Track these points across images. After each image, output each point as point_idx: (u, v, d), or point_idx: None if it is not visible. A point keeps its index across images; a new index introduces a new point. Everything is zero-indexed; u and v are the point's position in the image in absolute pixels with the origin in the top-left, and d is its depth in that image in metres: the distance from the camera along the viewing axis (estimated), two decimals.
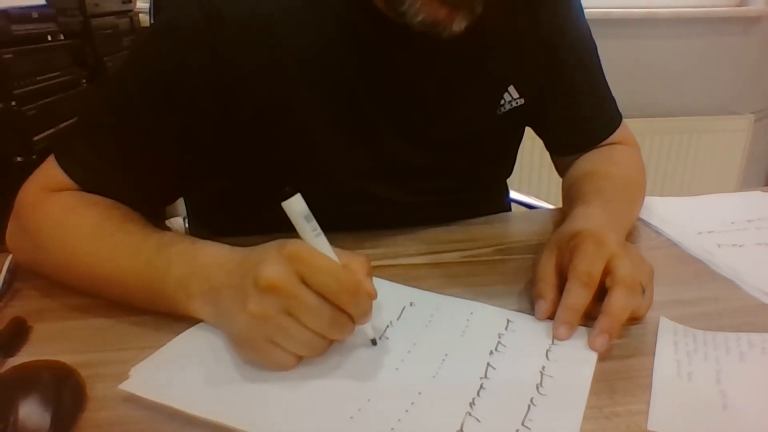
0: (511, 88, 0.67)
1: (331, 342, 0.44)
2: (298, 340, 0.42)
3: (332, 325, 0.42)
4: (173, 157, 0.59)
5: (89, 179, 0.58)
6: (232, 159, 0.63)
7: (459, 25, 0.53)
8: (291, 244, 0.42)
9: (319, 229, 0.43)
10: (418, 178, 0.69)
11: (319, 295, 0.41)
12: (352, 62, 0.60)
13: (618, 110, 0.77)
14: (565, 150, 0.78)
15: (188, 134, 0.59)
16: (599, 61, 0.75)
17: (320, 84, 0.60)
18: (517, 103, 0.68)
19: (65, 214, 0.56)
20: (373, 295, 0.44)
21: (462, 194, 0.73)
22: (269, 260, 0.42)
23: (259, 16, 0.57)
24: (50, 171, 0.59)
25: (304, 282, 0.41)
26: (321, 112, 0.61)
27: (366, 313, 0.44)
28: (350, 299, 0.42)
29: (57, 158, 0.59)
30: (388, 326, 0.50)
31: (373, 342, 0.46)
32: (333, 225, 0.67)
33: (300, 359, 0.44)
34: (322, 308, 0.41)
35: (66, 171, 0.58)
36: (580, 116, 0.74)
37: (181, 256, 0.49)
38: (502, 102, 0.68)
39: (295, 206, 0.42)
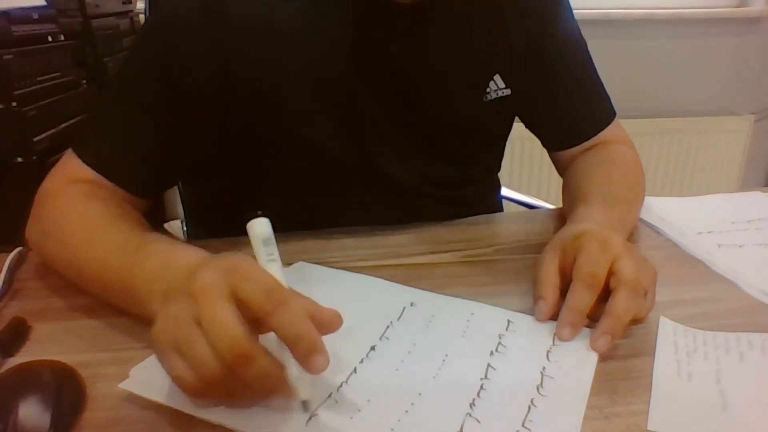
0: (497, 78, 0.69)
1: (247, 388, 0.37)
2: (196, 356, 0.36)
3: (238, 346, 0.35)
4: (177, 141, 0.62)
5: (99, 162, 0.60)
6: (230, 140, 0.65)
7: None
8: (235, 258, 0.39)
9: (275, 255, 0.40)
10: (407, 167, 0.70)
11: (244, 306, 0.36)
12: (346, 47, 0.62)
13: (611, 106, 0.78)
14: (556, 144, 0.79)
15: (190, 119, 0.61)
16: (589, 57, 0.76)
17: (315, 71, 0.62)
18: (502, 93, 0.70)
19: (70, 205, 0.58)
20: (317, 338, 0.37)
21: (452, 187, 0.74)
22: (207, 268, 0.39)
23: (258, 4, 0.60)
24: (69, 161, 0.62)
25: (234, 294, 0.37)
26: (313, 98, 0.63)
27: (298, 335, 0.36)
28: (274, 309, 0.36)
29: (73, 147, 0.62)
30: (388, 326, 0.50)
31: (305, 406, 0.38)
32: (330, 217, 0.68)
33: (204, 386, 0.36)
34: (231, 322, 0.35)
35: (79, 156, 0.61)
36: (568, 111, 0.75)
37: (155, 255, 0.48)
38: (488, 90, 0.69)
39: (256, 228, 0.40)
